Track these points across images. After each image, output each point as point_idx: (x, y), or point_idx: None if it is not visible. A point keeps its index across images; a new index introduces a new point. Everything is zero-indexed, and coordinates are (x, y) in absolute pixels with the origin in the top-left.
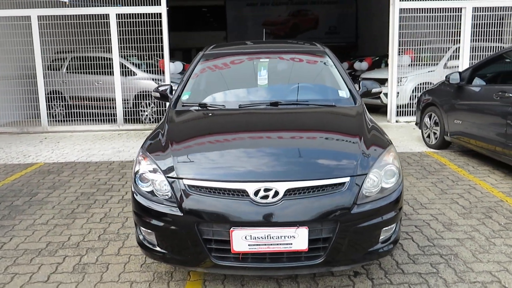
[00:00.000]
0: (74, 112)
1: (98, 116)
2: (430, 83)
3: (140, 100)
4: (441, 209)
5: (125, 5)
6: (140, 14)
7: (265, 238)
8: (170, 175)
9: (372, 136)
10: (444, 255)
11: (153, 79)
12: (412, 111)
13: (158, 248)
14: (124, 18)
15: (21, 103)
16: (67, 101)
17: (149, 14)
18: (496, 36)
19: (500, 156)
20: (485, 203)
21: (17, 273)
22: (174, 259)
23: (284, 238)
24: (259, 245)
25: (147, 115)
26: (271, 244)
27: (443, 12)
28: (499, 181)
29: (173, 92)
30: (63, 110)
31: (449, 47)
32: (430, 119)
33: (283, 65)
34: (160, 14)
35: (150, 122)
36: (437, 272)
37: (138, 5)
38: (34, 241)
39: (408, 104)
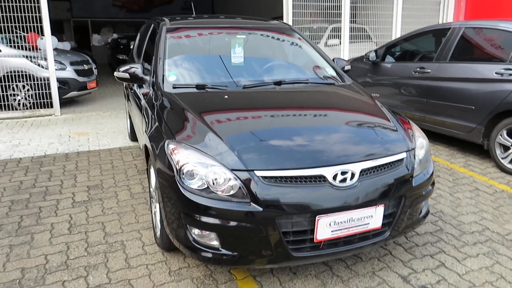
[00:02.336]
0: None
1: None
2: None
3: (10, 82)
4: None
5: None
6: None
7: (347, 222)
8: (236, 167)
9: (392, 112)
10: None
11: (27, 57)
12: None
13: (223, 250)
14: None
15: None
16: None
17: None
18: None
19: (421, 123)
20: None
21: None
22: (243, 259)
23: (363, 219)
24: (340, 230)
25: (20, 100)
26: (351, 227)
27: None
28: None
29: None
30: None
31: (327, 27)
32: None
33: (259, 42)
34: None
35: (25, 108)
36: None
37: None
38: None
39: None
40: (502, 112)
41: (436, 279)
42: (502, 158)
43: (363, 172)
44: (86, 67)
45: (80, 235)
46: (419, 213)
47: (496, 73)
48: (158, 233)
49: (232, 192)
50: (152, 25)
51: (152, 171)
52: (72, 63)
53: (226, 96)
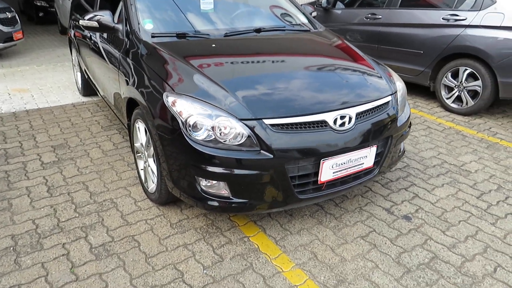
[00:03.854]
0: None
1: None
2: None
3: None
4: None
5: None
6: None
7: (346, 163)
8: (244, 117)
9: (371, 58)
10: None
11: None
12: None
13: (234, 199)
14: None
15: None
16: None
17: None
18: None
19: None
20: None
21: None
22: (252, 206)
23: (360, 159)
24: (340, 170)
25: None
26: (349, 168)
27: None
28: None
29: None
30: None
31: None
32: None
33: None
34: None
35: None
36: None
37: None
38: None
39: None
40: (447, 55)
41: (414, 209)
42: (447, 98)
43: (358, 115)
44: (9, 15)
45: (64, 196)
46: (399, 152)
47: (443, 18)
48: (153, 188)
49: (240, 141)
50: None
51: (139, 126)
52: None
53: (214, 45)
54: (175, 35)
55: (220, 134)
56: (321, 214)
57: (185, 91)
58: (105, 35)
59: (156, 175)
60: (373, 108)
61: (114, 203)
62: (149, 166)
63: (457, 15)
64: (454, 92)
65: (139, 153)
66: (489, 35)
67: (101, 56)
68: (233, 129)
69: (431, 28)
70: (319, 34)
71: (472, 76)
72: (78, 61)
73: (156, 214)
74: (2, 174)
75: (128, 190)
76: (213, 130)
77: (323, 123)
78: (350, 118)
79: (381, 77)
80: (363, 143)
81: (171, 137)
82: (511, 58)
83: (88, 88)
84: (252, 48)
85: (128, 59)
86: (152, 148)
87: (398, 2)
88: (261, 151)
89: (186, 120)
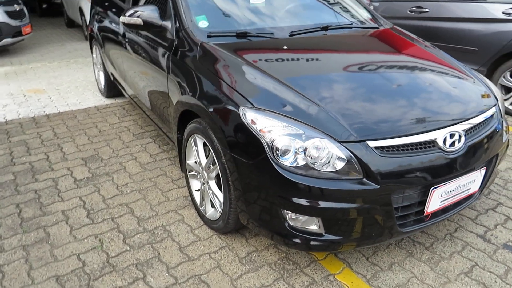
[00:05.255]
0: None
1: None
2: None
3: None
4: None
5: None
6: None
7: (455, 190)
8: (345, 138)
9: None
10: None
11: None
12: None
13: (327, 236)
14: None
15: None
16: None
17: None
18: None
19: None
20: None
21: None
22: (346, 243)
23: (468, 184)
24: (447, 199)
25: None
26: (456, 195)
27: None
28: None
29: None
30: None
31: None
32: None
33: None
34: None
35: None
36: None
37: None
38: None
39: None
40: (506, 53)
41: (511, 235)
42: (505, 100)
43: (466, 132)
44: (17, 7)
45: (108, 223)
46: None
47: (503, 12)
48: (215, 215)
49: (338, 168)
50: None
51: (196, 141)
52: (1, 3)
53: (285, 47)
54: (234, 34)
55: (313, 158)
56: (408, 244)
57: (267, 106)
58: (147, 33)
59: (223, 202)
60: (480, 123)
61: (167, 232)
62: (209, 189)
63: None
64: None
65: (193, 171)
66: None
67: (141, 56)
68: (330, 153)
69: (488, 23)
70: (392, 32)
71: None
72: (102, 60)
73: (219, 245)
74: (32, 194)
75: (179, 214)
76: (304, 154)
77: (432, 144)
78: (459, 136)
79: (480, 85)
80: (474, 165)
81: (251, 162)
82: None
83: (112, 89)
84: (330, 51)
85: (182, 63)
86: (216, 169)
87: None
88: (364, 179)
89: (272, 142)
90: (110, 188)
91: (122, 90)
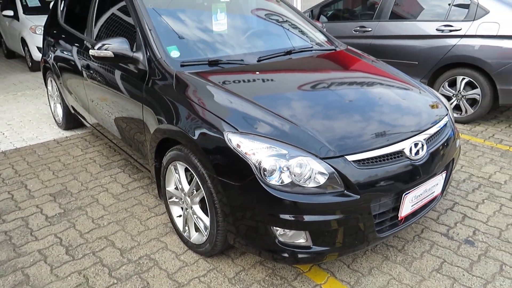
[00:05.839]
0: None
1: None
2: None
3: None
4: None
5: None
6: None
7: (422, 194)
8: (326, 155)
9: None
10: None
11: None
12: None
13: (314, 248)
14: None
15: None
16: None
17: None
18: None
19: None
20: None
21: None
22: (332, 252)
23: (432, 188)
24: (417, 203)
25: None
26: (424, 198)
27: None
28: None
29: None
30: None
31: None
32: None
33: (238, 7)
34: None
35: None
36: None
37: None
38: None
39: None
40: (443, 65)
41: (471, 231)
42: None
43: (427, 141)
44: None
45: (89, 258)
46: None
47: (436, 29)
48: (200, 239)
49: (321, 183)
50: None
51: (177, 168)
52: None
53: (258, 72)
54: (206, 62)
55: (296, 175)
56: (383, 248)
57: (250, 130)
58: (114, 64)
59: (209, 225)
60: (437, 132)
61: (153, 260)
62: (194, 214)
63: (451, 26)
64: (452, 101)
65: (173, 198)
66: (486, 44)
67: (110, 86)
68: (313, 170)
69: (425, 39)
70: (349, 53)
71: (469, 85)
72: (60, 92)
73: (206, 268)
74: (2, 236)
75: (162, 241)
76: (289, 173)
77: (400, 154)
78: (422, 145)
79: (431, 96)
80: (436, 170)
81: (240, 183)
82: (510, 66)
83: (72, 121)
84: (298, 74)
85: (157, 93)
86: (201, 194)
87: (388, 14)
88: (345, 191)
89: (259, 164)
90: (85, 222)
91: (83, 121)
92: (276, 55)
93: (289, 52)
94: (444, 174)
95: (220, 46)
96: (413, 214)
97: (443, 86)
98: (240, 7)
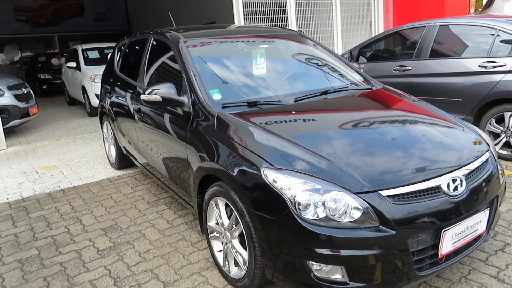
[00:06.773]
0: None
1: None
2: None
3: None
4: None
5: None
6: None
7: (464, 232)
8: (360, 190)
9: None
10: None
11: None
12: None
13: (351, 284)
14: None
15: None
16: None
17: None
18: None
19: None
20: None
21: None
22: None
23: (475, 225)
24: (458, 240)
25: None
26: (466, 236)
27: None
28: None
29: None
30: None
31: None
32: None
33: (278, 51)
34: None
35: None
36: None
37: None
38: None
39: None
40: (489, 102)
41: None
42: (495, 145)
43: (466, 177)
44: (25, 90)
45: None
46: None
47: (479, 66)
48: (239, 273)
49: (356, 218)
50: (152, 39)
51: (218, 204)
52: (10, 88)
53: (294, 112)
54: (246, 103)
55: (331, 210)
56: None
57: (285, 166)
58: (162, 107)
59: (248, 259)
60: (477, 168)
61: None
62: (233, 248)
63: (494, 62)
64: (501, 138)
65: (214, 233)
66: None
67: (158, 128)
68: (346, 204)
69: (467, 76)
70: (386, 91)
71: None
72: (114, 134)
73: None
74: (58, 267)
75: (203, 275)
76: (324, 207)
77: (437, 189)
78: (461, 181)
79: (472, 133)
80: (478, 207)
81: (275, 217)
82: None
83: (124, 161)
84: (334, 113)
85: (200, 133)
86: (239, 228)
87: (428, 53)
88: (380, 226)
89: (294, 198)
90: (133, 256)
91: (134, 161)
92: (312, 95)
93: (325, 92)
94: (487, 211)
95: (259, 88)
96: (456, 252)
97: (490, 123)
98: (278, 51)
